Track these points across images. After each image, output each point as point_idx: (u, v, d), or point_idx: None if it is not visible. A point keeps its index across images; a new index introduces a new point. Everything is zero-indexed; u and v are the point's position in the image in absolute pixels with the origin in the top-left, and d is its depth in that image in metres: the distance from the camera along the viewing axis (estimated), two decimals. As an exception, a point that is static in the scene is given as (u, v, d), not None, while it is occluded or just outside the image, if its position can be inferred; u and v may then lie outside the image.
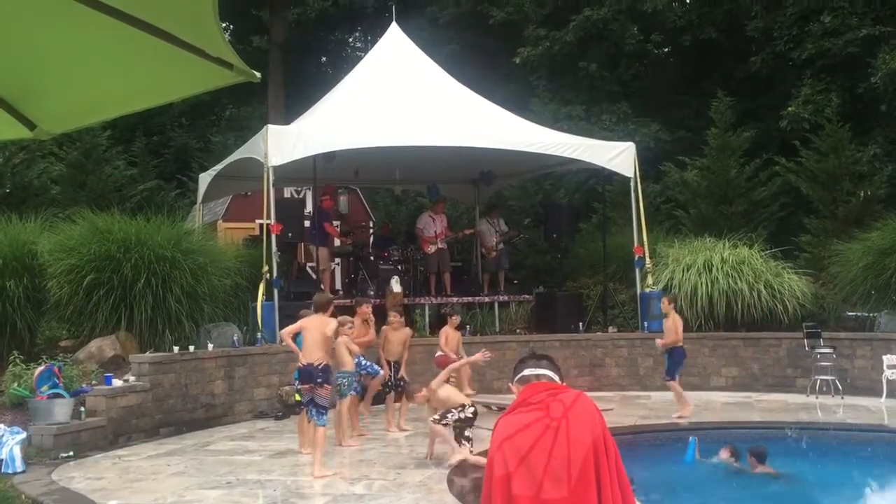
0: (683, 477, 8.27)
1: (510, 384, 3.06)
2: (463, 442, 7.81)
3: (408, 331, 10.40)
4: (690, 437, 8.76)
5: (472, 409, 7.91)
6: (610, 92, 21.38)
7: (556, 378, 2.99)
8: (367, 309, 9.81)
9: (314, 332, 7.67)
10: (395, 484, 7.09)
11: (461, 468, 7.38)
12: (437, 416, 7.88)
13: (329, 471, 7.63)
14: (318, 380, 7.55)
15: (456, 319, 11.05)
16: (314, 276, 14.21)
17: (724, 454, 8.40)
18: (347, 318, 9.18)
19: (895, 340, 11.74)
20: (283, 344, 8.97)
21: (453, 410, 7.82)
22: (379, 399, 10.15)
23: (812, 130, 17.13)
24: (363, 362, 9.34)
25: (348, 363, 8.73)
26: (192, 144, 24.65)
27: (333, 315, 8.06)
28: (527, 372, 3.00)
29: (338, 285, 16.27)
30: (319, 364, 7.57)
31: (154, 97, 3.13)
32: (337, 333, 8.04)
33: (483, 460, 6.59)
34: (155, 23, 2.37)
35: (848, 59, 18.01)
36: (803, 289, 13.04)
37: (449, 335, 10.73)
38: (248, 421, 10.53)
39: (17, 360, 9.40)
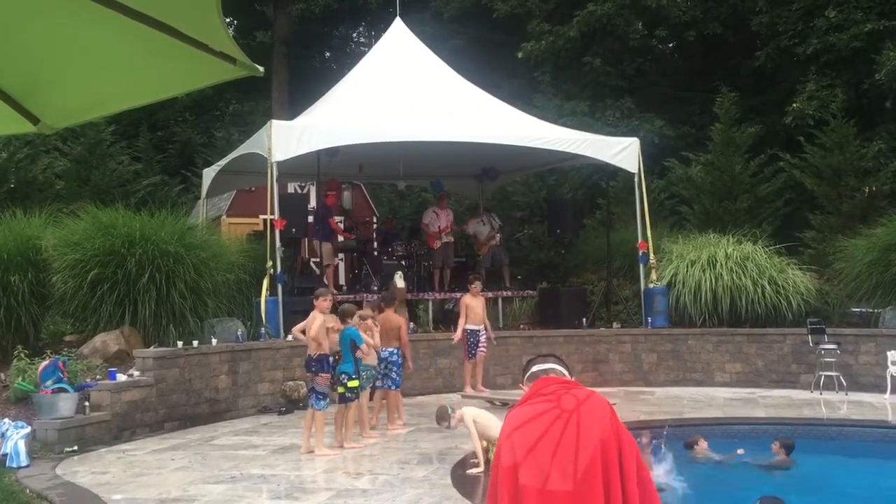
0: (685, 473, 8.25)
1: (521, 385, 3.08)
2: None
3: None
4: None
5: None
6: (614, 87, 21.34)
7: (565, 372, 3.01)
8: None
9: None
10: (399, 479, 7.10)
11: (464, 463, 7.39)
12: None
13: (331, 451, 8.15)
14: (313, 369, 8.23)
15: (477, 287, 10.91)
16: (318, 271, 14.23)
17: (701, 445, 8.34)
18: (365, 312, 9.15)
19: (900, 337, 11.71)
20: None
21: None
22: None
23: (817, 126, 17.08)
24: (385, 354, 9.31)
25: (369, 357, 8.78)
26: (196, 139, 24.63)
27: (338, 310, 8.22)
28: (535, 368, 3.03)
29: (341, 280, 16.28)
30: (314, 355, 8.22)
31: (157, 92, 3.13)
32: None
33: None
34: (158, 17, 2.37)
35: (853, 55, 17.95)
36: (808, 285, 13.00)
37: (470, 304, 10.63)
38: (251, 416, 10.54)
39: (22, 355, 9.41)
